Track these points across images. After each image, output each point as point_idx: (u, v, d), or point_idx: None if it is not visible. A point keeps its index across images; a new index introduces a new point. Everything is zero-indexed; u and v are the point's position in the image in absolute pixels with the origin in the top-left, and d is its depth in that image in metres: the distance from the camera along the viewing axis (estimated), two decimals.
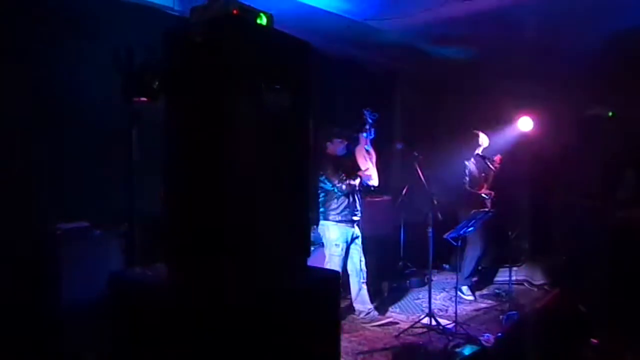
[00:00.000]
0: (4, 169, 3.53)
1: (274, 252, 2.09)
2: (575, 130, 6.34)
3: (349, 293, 4.90)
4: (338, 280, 2.27)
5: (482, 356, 3.77)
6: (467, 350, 4.03)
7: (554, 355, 3.47)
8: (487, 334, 4.35)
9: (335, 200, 4.69)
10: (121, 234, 3.55)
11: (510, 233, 5.24)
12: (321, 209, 4.77)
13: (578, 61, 5.74)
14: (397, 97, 7.46)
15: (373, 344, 4.32)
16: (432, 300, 4.75)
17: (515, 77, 6.58)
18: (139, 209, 2.84)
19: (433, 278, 4.80)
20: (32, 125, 3.63)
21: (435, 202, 4.71)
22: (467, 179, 5.57)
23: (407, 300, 5.62)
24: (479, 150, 5.70)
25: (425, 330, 4.54)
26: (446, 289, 5.96)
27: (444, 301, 5.60)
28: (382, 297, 5.62)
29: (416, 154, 4.83)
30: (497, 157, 5.57)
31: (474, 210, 4.79)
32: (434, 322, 4.57)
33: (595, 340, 3.52)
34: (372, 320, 4.81)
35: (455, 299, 4.75)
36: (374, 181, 4.78)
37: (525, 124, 6.30)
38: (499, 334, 4.25)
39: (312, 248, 4.57)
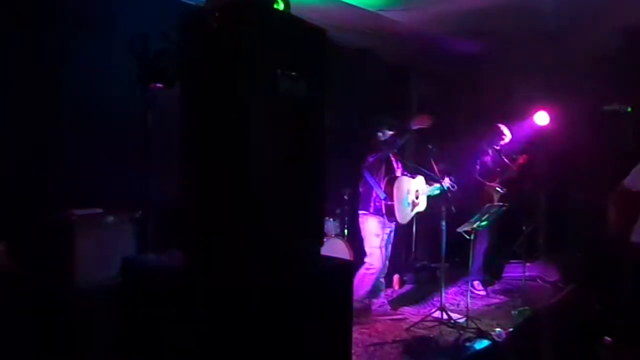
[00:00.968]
0: (19, 155, 3.57)
1: (288, 238, 2.08)
2: (593, 126, 6.23)
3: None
4: (350, 270, 2.26)
5: (494, 351, 3.76)
6: (479, 345, 4.01)
7: (566, 353, 3.44)
8: (499, 329, 4.31)
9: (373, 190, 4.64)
10: (135, 220, 3.57)
11: (524, 228, 5.18)
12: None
13: (596, 54, 5.65)
14: (412, 91, 7.40)
15: (384, 336, 4.32)
16: (444, 295, 4.72)
17: (531, 71, 6.49)
18: (153, 195, 2.85)
19: (445, 272, 4.77)
20: (47, 112, 3.66)
21: (449, 195, 4.68)
22: (477, 167, 5.54)
23: (418, 294, 5.60)
24: (499, 144, 5.66)
25: (436, 323, 4.52)
26: (458, 284, 5.93)
27: (455, 295, 5.58)
28: (394, 291, 5.62)
29: (430, 147, 4.79)
30: (523, 157, 5.50)
31: (488, 204, 4.75)
32: (445, 316, 4.55)
33: (609, 339, 3.48)
34: (384, 314, 4.81)
35: (467, 294, 4.71)
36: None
37: (541, 118, 6.23)
38: (511, 329, 4.23)
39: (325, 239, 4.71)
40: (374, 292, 4.80)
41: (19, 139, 3.56)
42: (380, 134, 4.77)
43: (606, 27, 5.18)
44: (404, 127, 4.62)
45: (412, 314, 4.92)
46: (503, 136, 5.68)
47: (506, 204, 4.80)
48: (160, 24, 2.48)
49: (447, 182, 4.81)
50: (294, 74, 2.06)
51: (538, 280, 6.11)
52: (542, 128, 6.29)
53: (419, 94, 7.36)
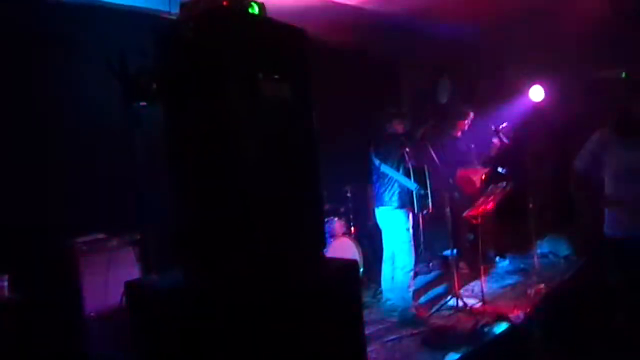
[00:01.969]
0: (15, 188, 3.54)
1: (287, 245, 2.04)
2: (590, 95, 6.17)
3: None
4: (357, 269, 2.21)
5: (514, 334, 3.71)
6: (498, 329, 3.96)
7: (586, 328, 3.39)
8: (517, 311, 4.26)
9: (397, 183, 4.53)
10: (136, 243, 3.54)
11: (530, 205, 5.12)
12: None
13: (586, 24, 5.57)
14: (402, 83, 7.34)
15: (400, 329, 4.27)
16: (457, 281, 4.67)
17: (521, 48, 6.42)
18: (150, 214, 2.81)
19: (456, 259, 4.72)
20: (40, 141, 3.64)
21: (451, 181, 4.63)
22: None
23: (431, 284, 5.55)
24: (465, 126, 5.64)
25: (452, 312, 4.47)
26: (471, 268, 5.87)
27: (469, 280, 5.51)
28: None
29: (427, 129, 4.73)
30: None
31: (491, 186, 4.70)
32: (460, 303, 4.50)
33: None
34: (397, 307, 4.75)
35: (481, 278, 4.66)
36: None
37: (537, 93, 6.17)
38: (529, 310, 4.18)
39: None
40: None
41: (13, 171, 3.53)
42: (390, 125, 4.67)
43: None
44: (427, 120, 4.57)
45: (426, 304, 4.86)
46: (467, 117, 5.64)
47: (510, 184, 4.74)
48: (141, 42, 2.45)
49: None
50: (276, 77, 2.02)
51: (550, 255, 6.04)
52: (538, 103, 6.22)
53: (410, 86, 7.31)
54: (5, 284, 3.24)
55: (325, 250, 2.34)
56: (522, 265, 5.80)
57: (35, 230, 3.58)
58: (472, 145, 5.74)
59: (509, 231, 6.01)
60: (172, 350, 1.96)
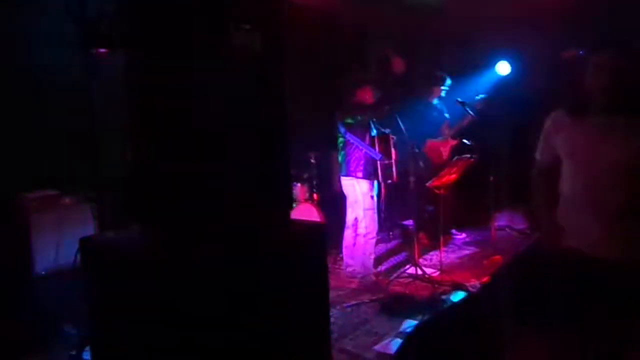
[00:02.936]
0: None
1: (251, 204, 1.97)
2: (553, 72, 6.25)
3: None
4: (323, 231, 2.17)
5: (470, 301, 3.78)
6: (455, 297, 4.03)
7: (541, 300, 3.48)
8: (473, 280, 4.35)
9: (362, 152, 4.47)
10: (92, 200, 3.39)
11: (491, 178, 5.20)
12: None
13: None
14: (370, 51, 7.23)
15: (360, 295, 4.31)
16: (416, 250, 4.72)
17: (489, 20, 6.41)
18: (107, 170, 2.68)
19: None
20: None
21: (417, 151, 4.63)
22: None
23: (391, 252, 5.61)
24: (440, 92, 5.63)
25: (410, 280, 4.53)
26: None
27: (428, 250, 5.59)
28: None
29: (388, 108, 4.69)
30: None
31: (456, 157, 4.73)
32: (419, 272, 4.56)
33: None
34: (358, 274, 4.78)
35: (440, 247, 4.73)
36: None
37: (503, 68, 6.21)
38: (484, 279, 4.27)
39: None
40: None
41: None
42: (358, 92, 4.59)
43: None
44: (388, 86, 4.49)
45: (386, 271, 4.92)
46: (442, 83, 5.63)
47: (474, 156, 4.78)
48: None
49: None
50: (248, 27, 1.91)
51: (507, 229, 6.19)
52: (504, 77, 6.27)
53: (377, 53, 7.22)
54: None
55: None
56: (479, 238, 5.92)
57: None
58: (447, 115, 5.74)
59: (469, 203, 6.10)
60: (128, 310, 1.88)
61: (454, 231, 5.97)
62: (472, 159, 4.76)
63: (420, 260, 4.95)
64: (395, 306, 4.02)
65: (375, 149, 4.44)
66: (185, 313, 1.68)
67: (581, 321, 2.29)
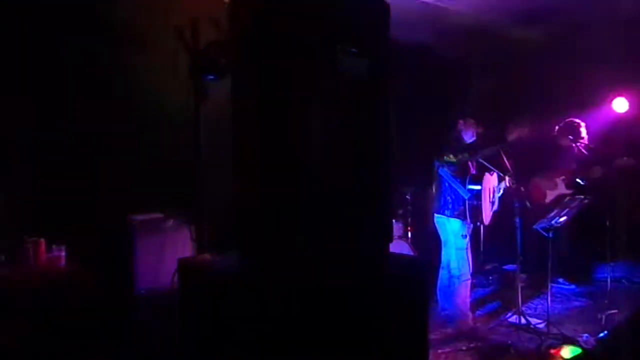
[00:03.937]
0: (81, 162, 3.57)
1: (351, 235, 1.88)
2: None
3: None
4: (425, 269, 2.02)
5: (585, 359, 3.39)
6: (568, 353, 3.63)
7: None
8: (586, 335, 3.91)
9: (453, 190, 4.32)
10: (192, 223, 3.48)
11: (607, 224, 4.72)
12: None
13: None
14: (473, 85, 7.02)
15: (455, 342, 4.02)
16: (520, 297, 4.35)
17: (604, 55, 5.98)
18: (209, 195, 2.74)
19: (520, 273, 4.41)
20: (105, 116, 3.65)
21: (522, 190, 4.33)
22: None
23: (491, 298, 5.24)
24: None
25: (513, 329, 4.16)
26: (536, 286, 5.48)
27: (532, 299, 5.16)
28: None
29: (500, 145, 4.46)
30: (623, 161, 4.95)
31: (568, 198, 4.36)
32: (523, 321, 4.19)
33: None
34: (453, 318, 4.49)
35: (548, 296, 4.31)
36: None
37: (620, 105, 5.74)
38: (601, 334, 3.82)
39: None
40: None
41: (78, 146, 3.56)
42: (462, 130, 4.44)
43: None
44: (499, 136, 4.30)
45: (486, 318, 4.57)
46: (580, 131, 5.24)
47: (588, 197, 4.38)
48: (211, 14, 2.37)
49: (507, 181, 4.44)
50: (354, 50, 1.87)
51: (624, 281, 5.58)
52: (620, 115, 5.78)
53: (480, 88, 6.98)
54: (63, 253, 3.27)
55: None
56: (591, 289, 5.38)
57: (95, 205, 3.60)
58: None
59: (581, 250, 5.59)
60: (220, 332, 1.85)
61: (560, 280, 5.47)
62: (586, 201, 4.36)
63: (524, 308, 4.56)
64: (496, 357, 3.70)
65: (465, 187, 4.24)
66: (277, 339, 1.61)
67: None
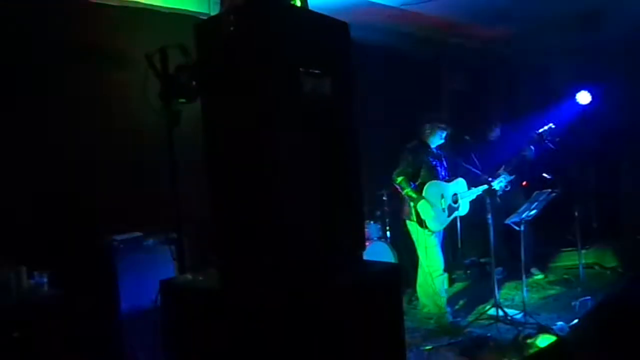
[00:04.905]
0: (59, 189, 3.59)
1: (325, 247, 1.97)
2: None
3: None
4: (398, 273, 2.12)
5: (559, 346, 3.53)
6: (541, 341, 3.77)
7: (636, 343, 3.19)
8: (561, 322, 4.05)
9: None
10: (173, 242, 3.53)
11: (576, 213, 4.90)
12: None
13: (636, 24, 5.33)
14: (444, 85, 7.18)
15: (437, 337, 4.14)
16: (497, 290, 4.49)
17: (568, 51, 6.19)
18: (187, 213, 2.79)
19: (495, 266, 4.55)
20: (78, 143, 3.68)
21: (492, 187, 4.47)
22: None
23: (468, 291, 5.38)
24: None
25: (492, 321, 4.30)
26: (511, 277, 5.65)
27: (509, 290, 5.32)
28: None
29: (467, 138, 4.60)
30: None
31: (536, 192, 4.51)
32: (500, 313, 4.33)
33: None
34: (433, 314, 4.62)
35: (523, 287, 4.47)
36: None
37: (584, 97, 5.94)
38: (575, 322, 3.98)
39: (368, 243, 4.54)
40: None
41: (52, 170, 3.58)
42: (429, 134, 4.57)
43: None
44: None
45: (465, 313, 4.71)
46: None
47: (556, 190, 4.54)
48: (178, 40, 2.42)
49: (500, 181, 4.55)
50: (317, 71, 1.96)
51: (595, 267, 5.77)
52: (585, 108, 5.99)
53: (450, 88, 7.15)
54: (45, 280, 3.28)
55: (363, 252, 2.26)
56: (565, 276, 5.56)
57: (74, 228, 3.62)
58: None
59: (552, 240, 5.78)
60: (204, 350, 1.91)
61: (534, 271, 5.64)
62: (553, 194, 4.52)
63: (501, 300, 4.71)
64: (476, 350, 3.82)
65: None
66: (257, 354, 1.69)
67: None
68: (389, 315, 1.96)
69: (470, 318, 4.46)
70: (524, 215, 4.35)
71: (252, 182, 1.93)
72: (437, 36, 5.92)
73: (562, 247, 5.95)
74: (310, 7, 2.15)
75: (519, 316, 4.33)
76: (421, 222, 4.31)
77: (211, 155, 2.15)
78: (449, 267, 5.68)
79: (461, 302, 5.04)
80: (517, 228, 4.37)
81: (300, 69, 1.90)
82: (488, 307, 4.48)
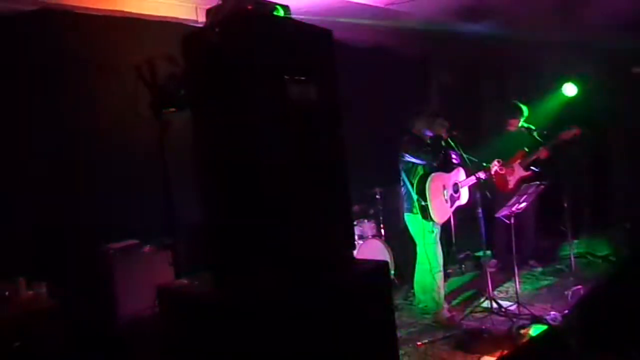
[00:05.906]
0: (54, 198, 3.63)
1: (316, 247, 2.03)
2: (625, 90, 5.98)
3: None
4: (387, 270, 2.18)
5: (551, 336, 3.60)
6: (534, 331, 3.84)
7: (630, 332, 3.26)
8: (553, 312, 4.13)
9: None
10: (169, 247, 3.58)
11: (566, 204, 4.98)
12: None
13: (616, 17, 5.40)
14: (432, 82, 7.25)
15: (433, 332, 4.20)
16: (490, 282, 4.56)
17: (551, 45, 6.26)
18: (182, 219, 2.85)
19: (488, 260, 4.62)
20: (73, 152, 3.73)
21: (482, 179, 4.54)
22: None
23: (464, 285, 5.45)
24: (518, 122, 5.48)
25: (486, 314, 4.37)
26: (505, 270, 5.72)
27: (504, 282, 5.38)
28: None
29: (455, 134, 4.66)
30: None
31: (524, 185, 4.59)
32: (494, 305, 4.40)
33: None
34: (430, 309, 4.68)
35: (516, 279, 4.54)
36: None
37: (569, 89, 6.01)
38: (566, 311, 4.06)
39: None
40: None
41: (47, 179, 3.62)
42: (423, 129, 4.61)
43: None
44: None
45: (460, 306, 4.78)
46: (519, 115, 5.48)
47: (544, 182, 4.61)
48: (170, 50, 2.48)
49: (481, 174, 4.63)
50: (302, 79, 2.02)
51: (587, 256, 5.86)
52: (571, 99, 6.07)
53: (439, 84, 7.22)
54: (44, 290, 3.32)
55: (354, 251, 2.32)
56: (557, 266, 5.64)
57: (70, 237, 3.66)
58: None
59: (543, 232, 5.86)
60: (202, 355, 1.97)
61: (530, 262, 5.72)
62: (542, 186, 4.59)
63: (495, 292, 4.78)
64: (471, 343, 3.89)
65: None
66: (253, 355, 1.75)
67: None
68: (380, 312, 2.03)
69: (465, 312, 4.52)
70: (513, 208, 4.42)
71: (241, 187, 1.99)
72: (424, 33, 5.98)
73: (555, 238, 6.03)
74: (306, 8, 2.22)
75: (513, 308, 4.40)
76: (426, 215, 4.35)
77: (201, 162, 2.21)
78: (443, 262, 5.76)
79: (456, 296, 5.11)
80: (507, 221, 4.44)
81: (286, 77, 1.96)
82: (482, 300, 4.55)
